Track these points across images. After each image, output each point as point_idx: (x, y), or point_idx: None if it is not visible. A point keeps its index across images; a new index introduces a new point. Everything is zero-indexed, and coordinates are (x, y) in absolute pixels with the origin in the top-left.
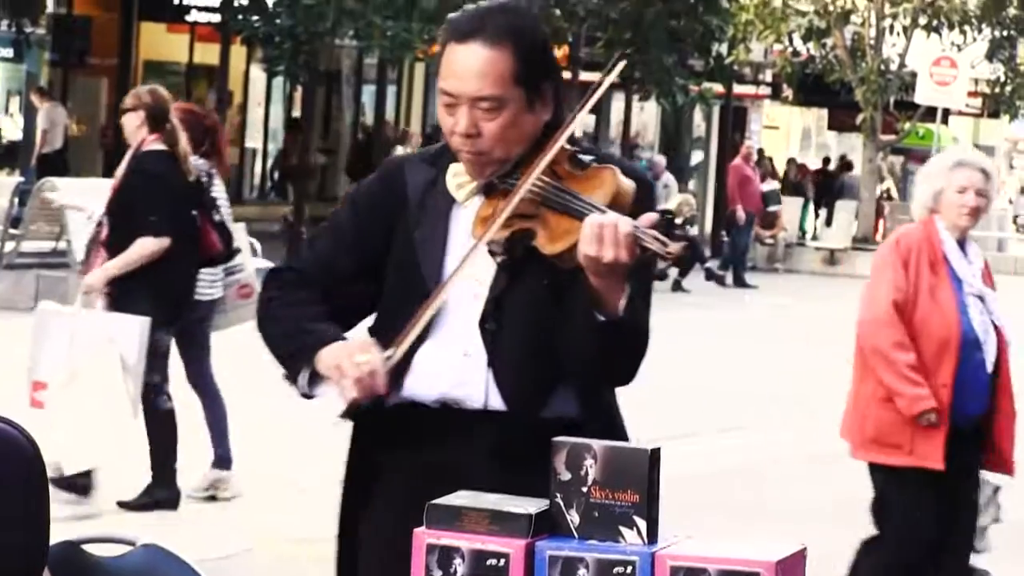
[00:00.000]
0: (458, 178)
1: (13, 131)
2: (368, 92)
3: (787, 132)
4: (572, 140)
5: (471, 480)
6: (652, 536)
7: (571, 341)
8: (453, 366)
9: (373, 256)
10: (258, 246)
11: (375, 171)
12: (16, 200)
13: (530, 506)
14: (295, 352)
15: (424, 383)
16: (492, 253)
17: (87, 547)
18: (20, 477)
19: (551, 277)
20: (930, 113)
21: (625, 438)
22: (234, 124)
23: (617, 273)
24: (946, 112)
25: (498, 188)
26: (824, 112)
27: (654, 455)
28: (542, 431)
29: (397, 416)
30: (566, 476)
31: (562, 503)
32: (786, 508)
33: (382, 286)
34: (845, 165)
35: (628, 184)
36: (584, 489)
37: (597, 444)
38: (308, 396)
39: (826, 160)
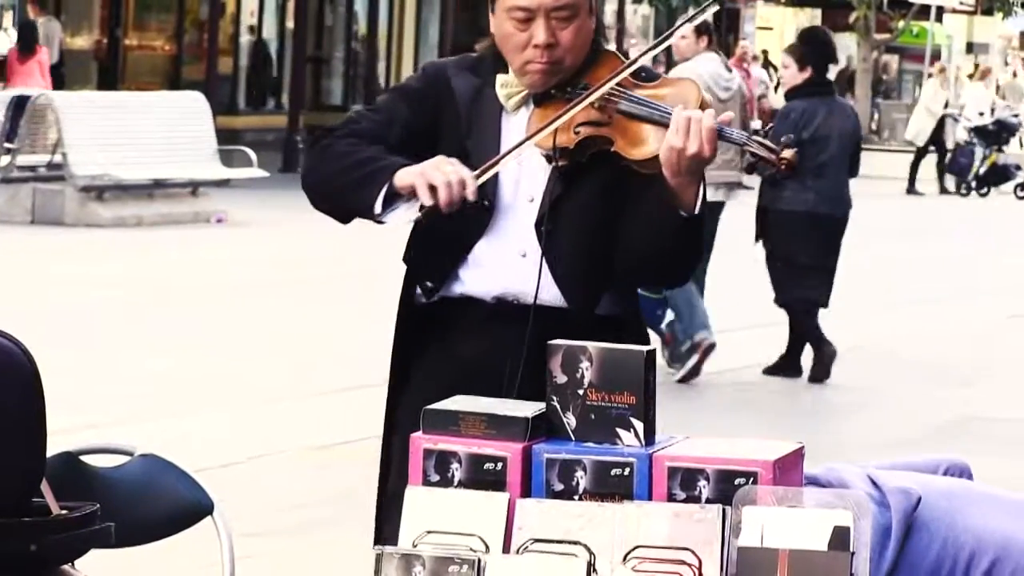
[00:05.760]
0: (507, 88)
1: (6, 45)
2: (361, 1)
3: (781, 33)
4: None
5: (508, 376)
6: (649, 438)
7: (639, 240)
8: (511, 264)
9: (419, 145)
10: (253, 156)
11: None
12: (10, 114)
13: (527, 409)
14: (369, 174)
15: (483, 280)
16: (549, 159)
17: (85, 458)
18: (19, 397)
19: (606, 182)
20: (924, 11)
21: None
22: (227, 34)
23: (696, 170)
24: (940, 10)
25: (555, 97)
26: (818, 12)
27: (649, 356)
28: (593, 327)
29: (447, 312)
30: (562, 379)
31: (558, 406)
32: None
33: None
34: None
35: (709, 98)
36: (580, 392)
37: (592, 346)
38: (379, 220)
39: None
